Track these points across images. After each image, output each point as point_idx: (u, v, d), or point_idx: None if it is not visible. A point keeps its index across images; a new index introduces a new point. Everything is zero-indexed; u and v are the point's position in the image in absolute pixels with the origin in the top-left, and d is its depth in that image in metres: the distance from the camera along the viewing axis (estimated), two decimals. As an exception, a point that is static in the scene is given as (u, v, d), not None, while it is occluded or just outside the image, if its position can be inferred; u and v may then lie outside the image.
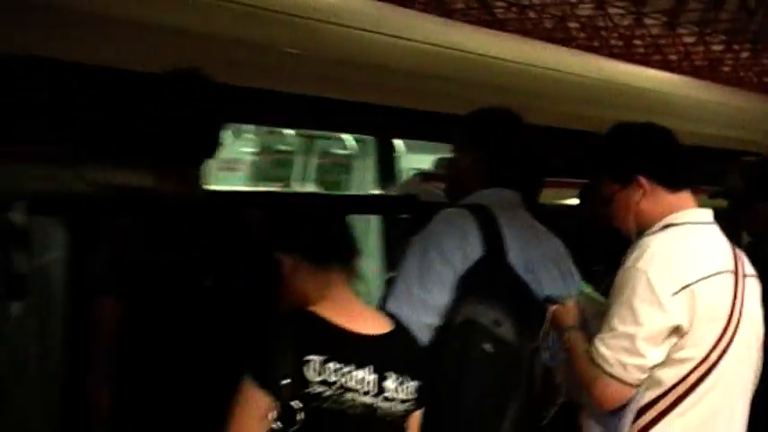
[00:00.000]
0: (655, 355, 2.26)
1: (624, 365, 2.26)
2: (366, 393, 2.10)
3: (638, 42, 18.89)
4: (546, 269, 2.67)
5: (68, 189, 2.71)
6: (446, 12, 12.50)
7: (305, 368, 2.03)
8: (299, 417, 2.02)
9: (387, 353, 2.16)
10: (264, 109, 3.59)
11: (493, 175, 2.75)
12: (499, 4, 14.54)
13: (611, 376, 2.27)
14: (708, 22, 17.33)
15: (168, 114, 2.53)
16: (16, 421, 2.81)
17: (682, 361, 2.30)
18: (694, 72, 16.87)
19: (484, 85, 4.00)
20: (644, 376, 2.27)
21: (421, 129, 4.24)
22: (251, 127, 5.65)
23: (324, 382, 2.05)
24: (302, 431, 2.04)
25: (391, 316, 2.28)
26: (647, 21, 17.81)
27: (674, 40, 19.09)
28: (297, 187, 6.01)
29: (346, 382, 2.08)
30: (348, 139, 5.85)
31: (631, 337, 2.26)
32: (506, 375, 2.48)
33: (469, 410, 2.45)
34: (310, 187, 6.12)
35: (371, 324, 2.18)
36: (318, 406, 2.07)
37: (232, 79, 2.86)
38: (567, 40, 14.53)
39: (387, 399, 2.13)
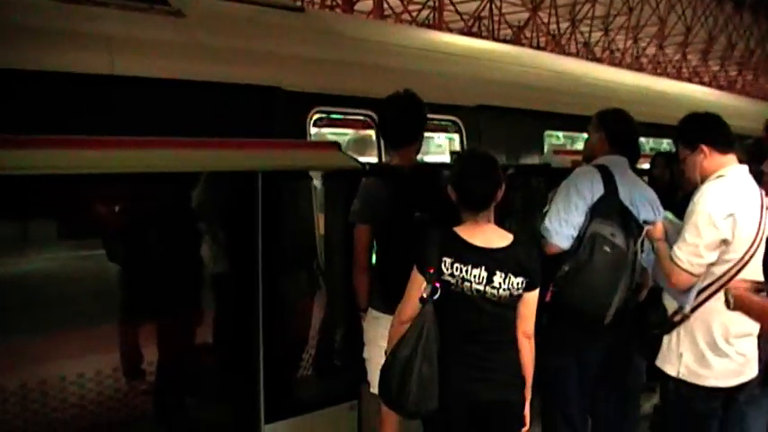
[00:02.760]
0: (710, 256, 2.92)
1: (691, 263, 2.93)
2: (479, 283, 2.71)
3: (684, 71, 29.13)
4: (641, 203, 3.34)
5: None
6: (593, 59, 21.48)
7: (442, 264, 2.71)
8: (437, 292, 2.71)
9: (496, 259, 2.72)
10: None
11: (611, 146, 3.47)
12: (597, 49, 24.38)
13: (683, 269, 2.94)
14: (726, 58, 29.40)
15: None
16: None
17: (726, 261, 2.96)
18: (719, 88, 25.14)
19: (609, 99, 4.89)
20: (703, 270, 2.93)
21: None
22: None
23: (452, 274, 2.72)
24: (439, 300, 2.71)
25: (515, 238, 2.77)
26: (689, 56, 28.55)
27: (707, 69, 30.30)
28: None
29: (465, 275, 2.71)
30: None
31: (696, 246, 2.90)
32: (618, 266, 3.16)
33: (595, 285, 3.15)
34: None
35: (491, 241, 2.76)
36: (448, 287, 2.73)
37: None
38: (640, 70, 22.70)
39: (493, 287, 2.71)
